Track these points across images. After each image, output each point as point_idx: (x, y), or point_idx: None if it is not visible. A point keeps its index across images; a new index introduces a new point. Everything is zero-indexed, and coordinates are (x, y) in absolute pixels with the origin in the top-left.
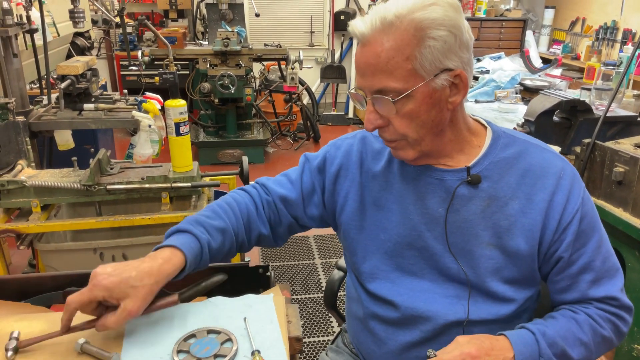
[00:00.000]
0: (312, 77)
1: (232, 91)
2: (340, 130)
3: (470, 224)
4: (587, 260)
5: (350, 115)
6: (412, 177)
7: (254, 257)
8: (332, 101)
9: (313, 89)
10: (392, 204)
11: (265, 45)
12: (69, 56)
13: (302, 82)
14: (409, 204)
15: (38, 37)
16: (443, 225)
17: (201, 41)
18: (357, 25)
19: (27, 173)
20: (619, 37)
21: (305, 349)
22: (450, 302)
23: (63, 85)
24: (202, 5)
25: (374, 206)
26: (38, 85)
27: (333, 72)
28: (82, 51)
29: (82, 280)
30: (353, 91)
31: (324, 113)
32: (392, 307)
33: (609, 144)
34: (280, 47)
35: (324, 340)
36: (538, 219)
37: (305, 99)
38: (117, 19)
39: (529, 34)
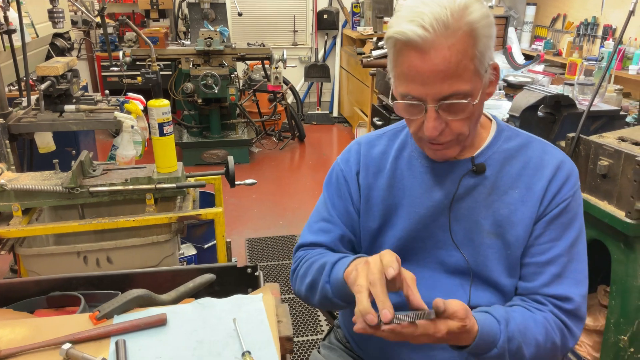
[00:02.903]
0: (296, 76)
1: (216, 91)
2: (325, 129)
3: (472, 212)
4: (556, 253)
5: (335, 114)
6: (420, 171)
7: (241, 257)
8: (316, 100)
9: (297, 88)
10: (401, 199)
11: (249, 44)
12: (48, 57)
13: (286, 82)
14: (416, 197)
15: (16, 38)
16: (447, 215)
17: (183, 41)
18: (415, 31)
19: (7, 176)
20: (600, 32)
21: (295, 348)
22: (451, 290)
23: (43, 86)
24: (184, 4)
25: (381, 204)
26: (17, 87)
27: (317, 71)
28: (61, 52)
29: (66, 284)
30: (407, 102)
31: (309, 112)
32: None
33: (593, 138)
34: (264, 46)
35: (312, 340)
36: (536, 207)
37: (290, 98)
38: (98, 19)
39: (511, 31)
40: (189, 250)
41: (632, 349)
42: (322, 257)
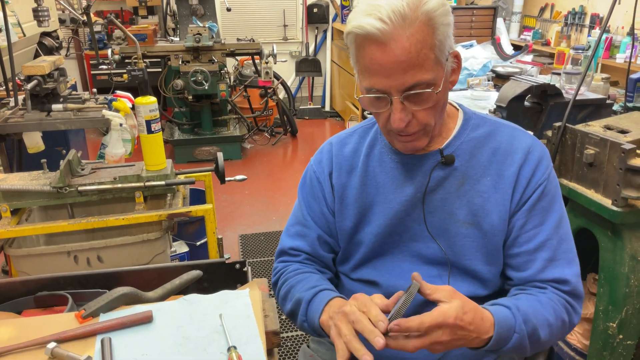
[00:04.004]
0: (287, 71)
1: (206, 87)
2: (318, 123)
3: (445, 203)
4: (544, 238)
5: (327, 108)
6: (391, 166)
7: (234, 253)
8: (308, 95)
9: (289, 83)
10: (374, 196)
11: (238, 40)
12: (36, 57)
13: (277, 76)
14: (389, 193)
15: (2, 37)
16: (421, 208)
17: (172, 37)
18: (373, 24)
19: None
20: (587, 21)
21: (288, 343)
22: (430, 281)
23: (29, 85)
24: (172, 1)
25: (355, 203)
26: (4, 87)
27: (308, 66)
28: (50, 51)
29: (53, 284)
30: (372, 95)
31: (301, 107)
32: (374, 286)
33: (579, 126)
34: (254, 41)
35: (304, 334)
36: (509, 193)
37: (281, 94)
38: (84, 17)
39: (499, 22)
40: (181, 247)
41: (621, 336)
42: (299, 284)
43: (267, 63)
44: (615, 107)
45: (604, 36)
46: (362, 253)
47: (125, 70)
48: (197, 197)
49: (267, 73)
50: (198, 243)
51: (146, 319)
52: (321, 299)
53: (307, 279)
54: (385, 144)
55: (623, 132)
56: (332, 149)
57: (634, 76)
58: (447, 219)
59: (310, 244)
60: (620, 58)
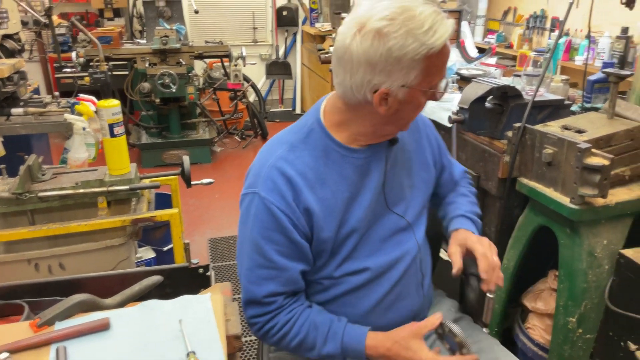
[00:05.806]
0: (257, 73)
1: (174, 90)
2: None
3: (397, 177)
4: (449, 163)
5: (298, 111)
6: (356, 164)
7: (202, 257)
8: (278, 97)
9: (259, 86)
10: (348, 197)
11: (207, 42)
12: None
13: (247, 79)
14: (360, 187)
15: None
16: (382, 192)
17: (139, 40)
18: (450, 25)
19: None
20: (548, 25)
21: (255, 346)
22: (404, 246)
23: None
24: (139, 3)
25: (332, 213)
26: None
27: (278, 68)
28: (12, 54)
29: (10, 292)
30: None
31: (272, 110)
32: (365, 272)
33: (538, 127)
34: (222, 44)
35: None
36: (428, 151)
37: (252, 96)
38: (46, 20)
39: (464, 25)
40: (148, 253)
41: (580, 330)
42: (309, 335)
43: (236, 65)
44: (574, 108)
45: (563, 39)
46: (348, 250)
47: (87, 74)
48: (165, 201)
49: (236, 76)
50: (165, 248)
51: (103, 327)
52: (357, 347)
53: (312, 328)
54: (340, 147)
55: (580, 131)
56: (285, 172)
57: (591, 78)
58: (400, 192)
59: (285, 283)
60: (579, 60)
